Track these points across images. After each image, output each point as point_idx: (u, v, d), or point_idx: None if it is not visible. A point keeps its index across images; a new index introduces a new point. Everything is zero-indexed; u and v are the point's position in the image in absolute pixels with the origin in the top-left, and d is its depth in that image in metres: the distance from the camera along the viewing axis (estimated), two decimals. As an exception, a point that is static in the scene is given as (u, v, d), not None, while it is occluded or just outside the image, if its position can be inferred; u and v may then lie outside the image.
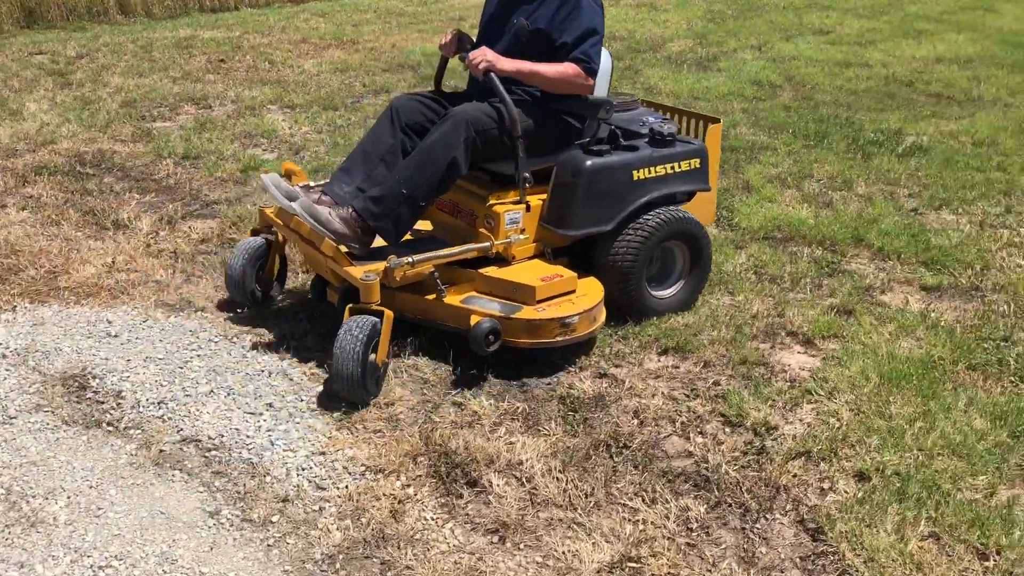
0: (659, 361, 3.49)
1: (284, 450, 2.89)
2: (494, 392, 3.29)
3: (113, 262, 4.30)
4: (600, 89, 3.80)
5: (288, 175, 3.85)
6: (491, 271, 3.50)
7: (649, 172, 3.61)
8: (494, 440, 2.98)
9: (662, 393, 3.27)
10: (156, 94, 7.60)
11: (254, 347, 3.54)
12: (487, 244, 3.51)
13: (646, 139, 3.72)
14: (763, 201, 5.00)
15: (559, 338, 3.34)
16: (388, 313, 3.18)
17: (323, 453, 2.89)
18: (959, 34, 9.64)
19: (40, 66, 8.78)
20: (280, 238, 3.84)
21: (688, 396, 3.26)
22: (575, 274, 3.51)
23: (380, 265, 3.28)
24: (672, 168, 3.66)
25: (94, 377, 3.29)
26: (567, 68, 3.55)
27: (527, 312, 3.33)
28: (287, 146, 6.19)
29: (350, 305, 3.21)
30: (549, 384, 3.34)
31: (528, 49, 3.62)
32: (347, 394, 3.13)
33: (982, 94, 7.31)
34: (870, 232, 4.56)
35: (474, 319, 3.26)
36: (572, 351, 3.51)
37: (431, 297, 3.42)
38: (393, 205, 3.41)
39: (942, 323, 3.71)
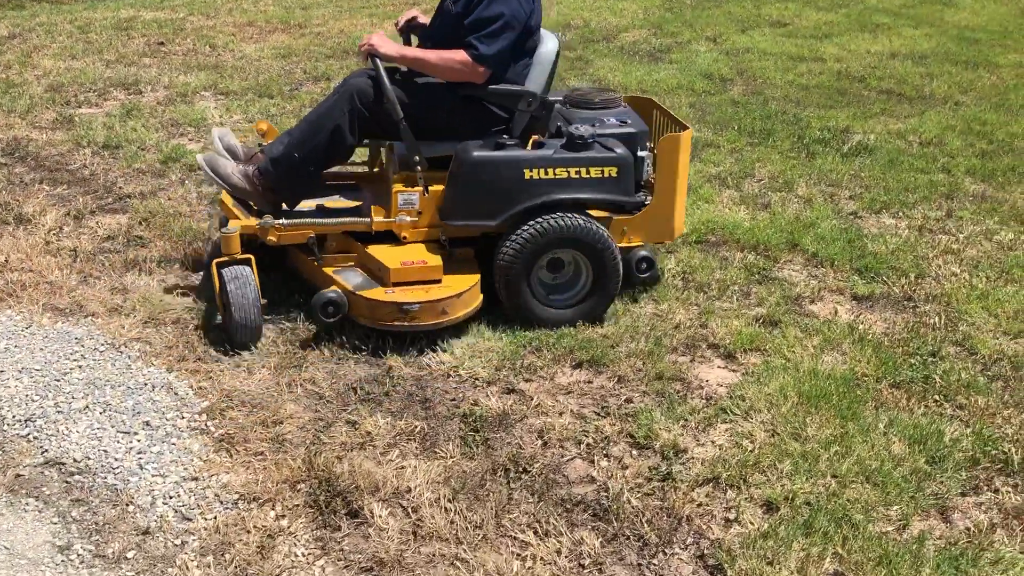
0: (572, 375, 3.31)
1: (153, 475, 2.68)
2: (393, 409, 3.09)
3: (6, 261, 4.04)
4: (536, 80, 3.64)
5: (262, 133, 4.00)
6: (373, 247, 3.54)
7: (545, 173, 3.43)
8: (385, 464, 2.79)
9: (571, 411, 3.10)
10: (86, 78, 7.29)
11: (142, 357, 3.32)
12: (366, 220, 3.57)
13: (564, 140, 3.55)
14: (700, 202, 4.83)
15: (397, 323, 3.35)
16: (252, 258, 3.42)
17: (196, 479, 2.69)
18: (916, 29, 9.53)
19: (-32, 46, 8.42)
20: None
21: (598, 414, 3.09)
22: (441, 264, 3.46)
23: (253, 222, 3.53)
24: (578, 173, 3.45)
25: (-40, 391, 3.06)
26: (453, 55, 3.47)
27: (372, 291, 3.38)
28: (215, 136, 5.92)
29: (215, 260, 3.40)
30: (454, 400, 3.15)
31: (454, 34, 3.55)
32: (246, 341, 3.36)
33: (934, 91, 7.19)
34: (805, 237, 4.41)
35: (329, 289, 3.39)
36: (483, 363, 3.33)
37: (314, 262, 3.58)
38: (286, 168, 3.55)
39: (869, 336, 3.56)
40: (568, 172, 3.44)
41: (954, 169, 5.43)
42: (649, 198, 3.71)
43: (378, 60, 3.48)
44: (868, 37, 9.12)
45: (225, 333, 3.41)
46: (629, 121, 3.74)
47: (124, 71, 7.57)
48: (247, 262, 3.39)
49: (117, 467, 2.70)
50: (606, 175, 3.47)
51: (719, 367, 3.39)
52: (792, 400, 3.11)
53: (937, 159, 5.60)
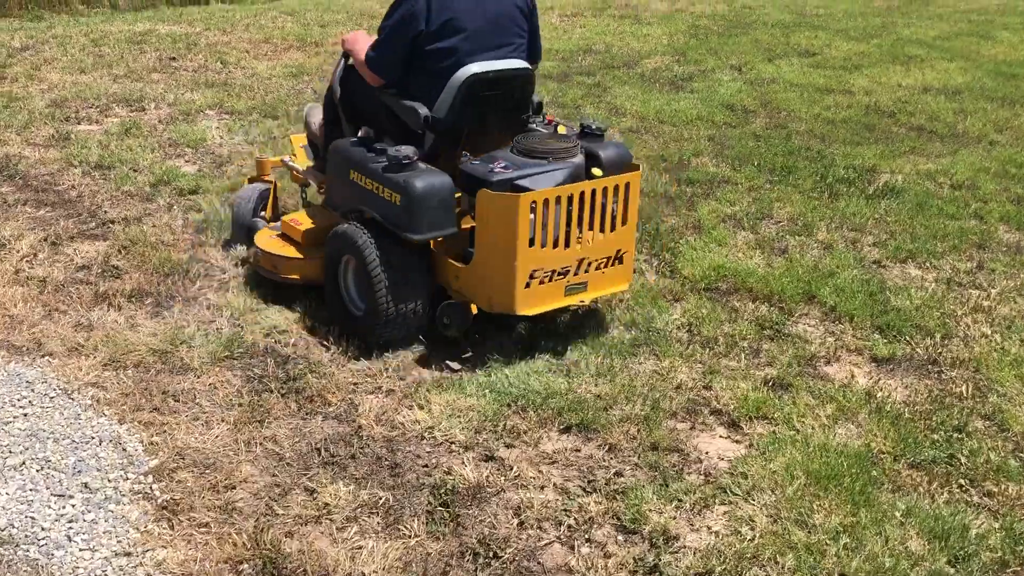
0: (559, 441, 3.02)
1: (81, 548, 2.42)
2: (359, 475, 2.82)
3: (-30, 291, 3.83)
4: (442, 103, 3.55)
5: None
6: (308, 206, 4.17)
7: (361, 179, 3.53)
8: (340, 543, 2.52)
9: (554, 484, 2.81)
10: (90, 93, 7.13)
11: (94, 405, 3.07)
12: (309, 184, 4.23)
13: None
14: (712, 244, 4.53)
15: (252, 260, 4.02)
16: (275, 183, 4.35)
17: (128, 554, 2.43)
18: (951, 62, 9.18)
19: (-21, 57, 8.31)
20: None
21: (583, 490, 2.79)
22: (304, 232, 3.81)
23: (279, 158, 4.49)
24: (377, 189, 3.45)
25: None
26: (360, 54, 3.73)
27: (263, 232, 4.02)
28: (212, 158, 5.71)
29: (249, 176, 4.55)
30: (425, 467, 2.87)
31: None
32: (239, 238, 4.23)
33: (967, 129, 6.85)
34: (824, 288, 4.10)
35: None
36: (462, 423, 3.05)
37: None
38: (322, 123, 4.17)
39: (888, 406, 3.24)
40: (373, 184, 3.47)
41: (987, 216, 5.09)
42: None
43: (346, 52, 3.89)
44: (900, 69, 8.79)
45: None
46: (512, 170, 3.38)
47: (131, 86, 7.41)
48: (267, 183, 4.34)
49: (43, 538, 2.44)
50: (393, 200, 3.38)
51: (721, 437, 3.09)
52: (799, 480, 2.81)
53: (969, 204, 5.26)
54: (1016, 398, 3.34)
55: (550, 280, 3.34)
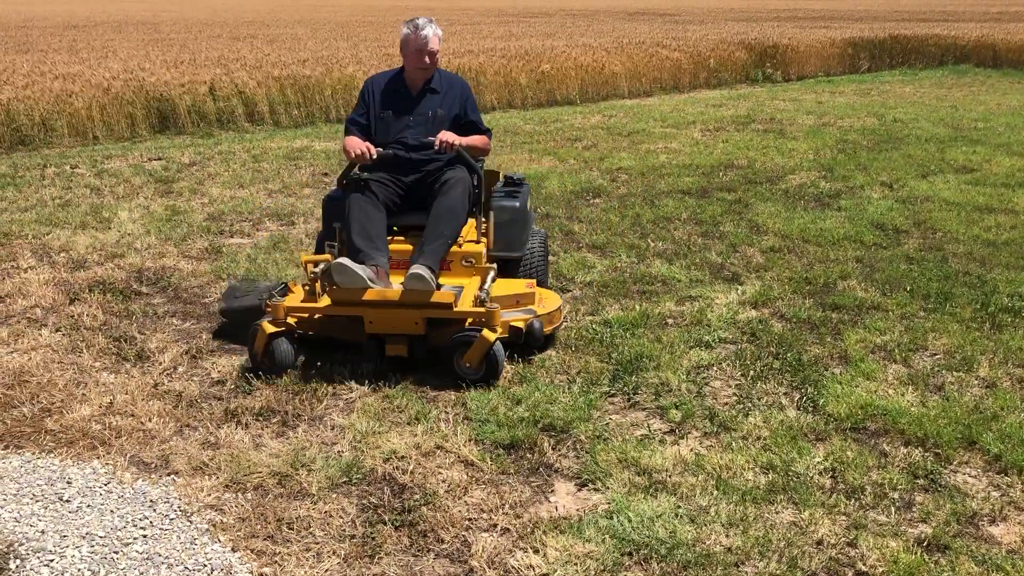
0: (683, 599, 2.78)
1: None
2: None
3: (111, 403, 3.97)
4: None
5: None
6: None
7: None
8: None
9: (675, 650, 2.56)
10: (246, 207, 7.53)
11: (210, 530, 3.06)
12: None
13: None
14: (859, 378, 4.22)
15: None
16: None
17: None
18: None
19: (151, 173, 8.97)
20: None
21: (708, 658, 2.54)
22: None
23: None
24: None
25: (17, 557, 2.88)
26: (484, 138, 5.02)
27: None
28: (350, 273, 5.84)
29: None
30: (537, 618, 2.69)
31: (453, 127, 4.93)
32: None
33: None
34: (986, 433, 3.71)
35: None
36: (578, 572, 2.86)
37: None
38: (443, 253, 4.60)
39: (1068, 581, 2.84)
40: None
41: None
42: None
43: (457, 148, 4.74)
44: (1071, 186, 8.21)
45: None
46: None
47: (284, 201, 7.79)
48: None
49: (144, 674, 2.40)
50: None
51: (867, 605, 2.77)
52: (960, 666, 2.46)
53: None
54: None
55: None
